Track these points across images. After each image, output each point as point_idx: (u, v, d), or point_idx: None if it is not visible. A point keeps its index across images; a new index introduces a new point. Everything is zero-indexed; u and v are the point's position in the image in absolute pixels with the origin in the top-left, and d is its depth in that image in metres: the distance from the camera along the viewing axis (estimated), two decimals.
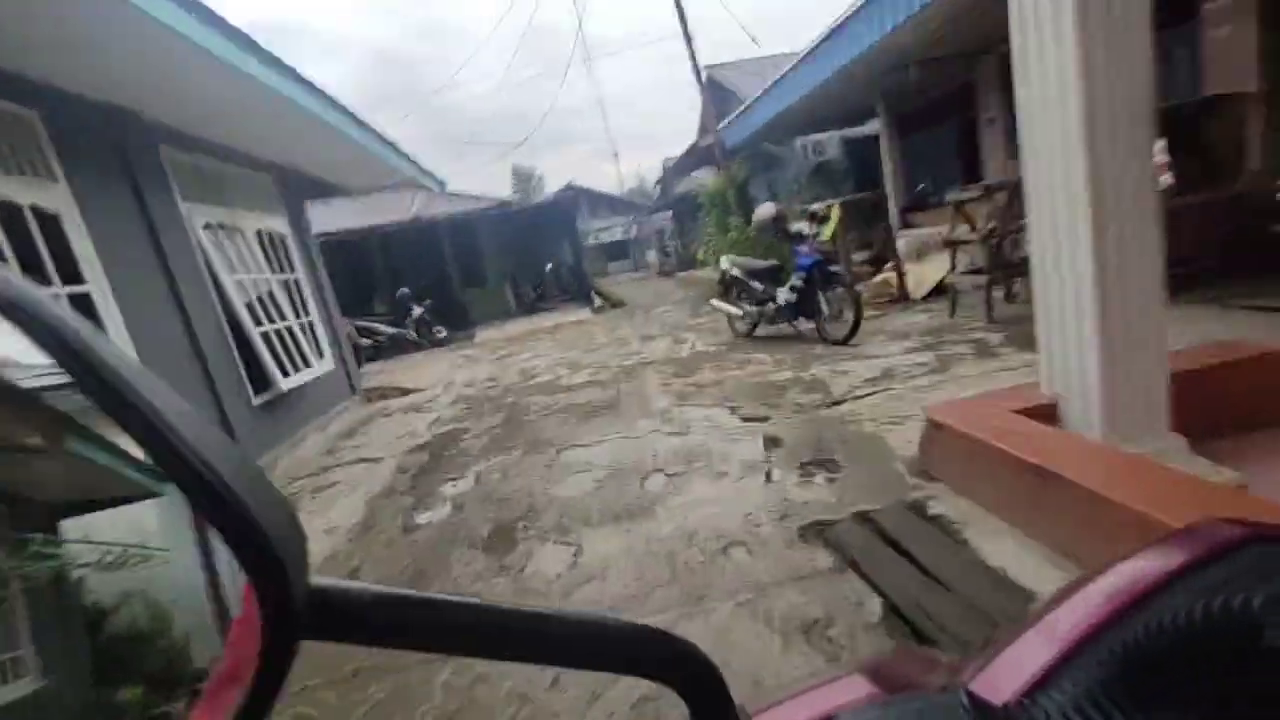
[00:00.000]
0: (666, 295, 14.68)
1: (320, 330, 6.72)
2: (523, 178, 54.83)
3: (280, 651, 0.20)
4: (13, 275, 0.20)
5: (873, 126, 12.18)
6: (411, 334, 11.89)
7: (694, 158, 14.80)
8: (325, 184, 7.88)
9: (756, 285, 6.23)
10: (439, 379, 7.81)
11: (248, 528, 0.19)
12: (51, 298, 0.19)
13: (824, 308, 5.50)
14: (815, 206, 6.40)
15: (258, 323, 5.44)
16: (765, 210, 6.09)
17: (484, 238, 15.52)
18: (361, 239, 13.20)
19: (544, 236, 17.62)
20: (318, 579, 0.22)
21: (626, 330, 9.33)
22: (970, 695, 0.35)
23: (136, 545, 0.23)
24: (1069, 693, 0.33)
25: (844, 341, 5.33)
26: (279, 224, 6.39)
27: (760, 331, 6.69)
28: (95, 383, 0.19)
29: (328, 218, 14.07)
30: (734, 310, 6.56)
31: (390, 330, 11.79)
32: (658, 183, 22.90)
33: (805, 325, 6.01)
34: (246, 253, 5.62)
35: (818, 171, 12.14)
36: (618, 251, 35.43)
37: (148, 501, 0.23)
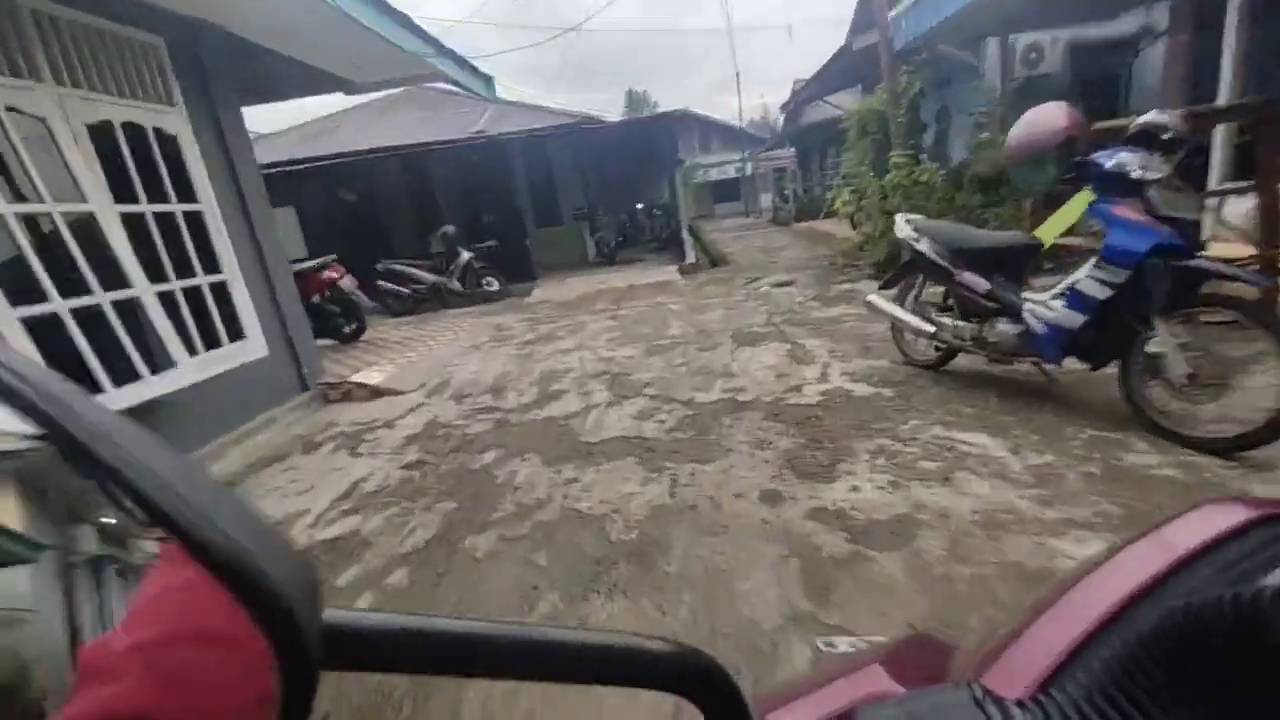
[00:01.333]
0: (780, 253, 11.39)
1: (241, 295, 4.41)
2: (636, 103, 50.78)
3: (300, 694, 0.20)
4: None
5: (1127, 24, 7.97)
6: (455, 284, 9.63)
7: (837, 71, 11.01)
8: (276, 72, 5.42)
9: (974, 281, 3.09)
10: (432, 372, 5.38)
11: (252, 581, 0.19)
12: (20, 357, 0.19)
13: (1166, 358, 2.36)
14: (1176, 115, 2.71)
15: (66, 289, 3.17)
16: (1045, 119, 2.71)
17: (563, 166, 12.80)
18: (410, 160, 10.92)
19: (638, 168, 14.60)
20: (330, 613, 0.23)
21: (717, 313, 6.40)
22: (985, 689, 0.35)
23: (6, 608, 0.23)
24: (1083, 685, 0.33)
25: (1235, 448, 2.22)
26: (168, 120, 4.02)
27: (960, 363, 3.59)
28: (70, 444, 0.19)
29: (368, 130, 12.00)
30: (914, 321, 3.48)
31: (430, 278, 9.58)
32: (783, 108, 18.84)
33: (1061, 367, 2.91)
34: (61, 162, 3.29)
35: (1025, 91, 8.14)
36: (727, 192, 31.52)
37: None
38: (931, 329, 3.35)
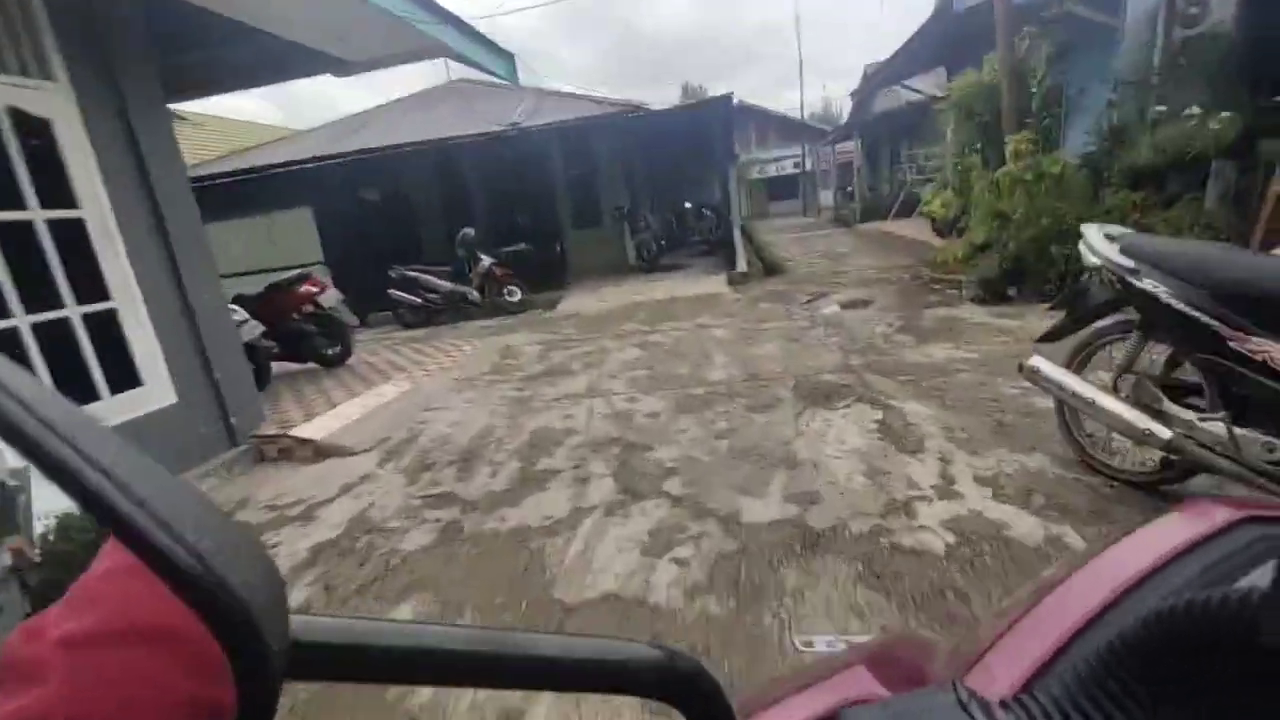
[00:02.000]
0: (847, 260, 9.81)
1: (139, 329, 3.35)
2: (691, 97, 49.12)
3: (260, 704, 0.19)
4: None
5: None
6: (473, 293, 8.55)
7: (922, 47, 9.29)
8: (238, 52, 4.39)
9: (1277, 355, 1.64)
10: (400, 421, 4.21)
11: (217, 596, 0.18)
12: None
13: None
14: None
15: None
16: None
17: (605, 161, 11.55)
18: (439, 156, 9.94)
19: (688, 163, 13.27)
20: (295, 623, 0.21)
21: (773, 344, 5.00)
22: (969, 690, 0.35)
23: None
24: (1065, 685, 0.33)
25: None
26: (36, 99, 2.97)
27: (1199, 483, 2.10)
28: (19, 440, 0.17)
29: (398, 126, 11.04)
30: (1126, 412, 2.00)
31: (446, 286, 8.54)
32: (853, 94, 17.03)
33: None
34: None
35: (1186, 52, 6.29)
36: (784, 189, 29.58)
37: None
38: (1166, 433, 1.88)
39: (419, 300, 8.46)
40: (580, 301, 8.57)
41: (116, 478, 0.17)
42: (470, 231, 8.53)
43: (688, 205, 12.41)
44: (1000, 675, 0.37)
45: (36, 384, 0.18)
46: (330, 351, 5.76)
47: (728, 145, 10.47)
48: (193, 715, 0.18)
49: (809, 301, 6.61)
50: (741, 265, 9.20)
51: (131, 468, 0.18)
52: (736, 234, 9.71)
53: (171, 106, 4.86)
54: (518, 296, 8.67)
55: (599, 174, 11.60)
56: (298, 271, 5.69)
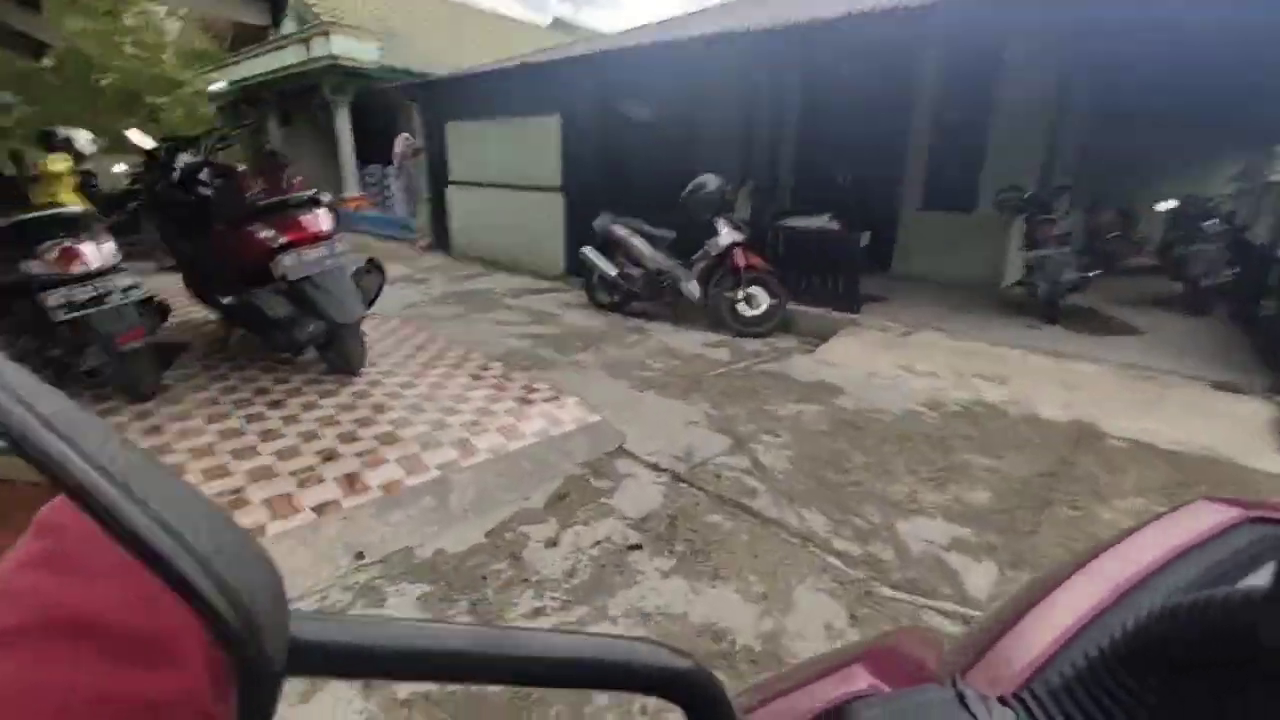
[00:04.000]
0: None
1: None
2: None
3: (260, 703, 0.19)
4: None
5: None
6: (690, 284, 5.09)
7: None
8: None
9: None
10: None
11: (219, 600, 0.17)
12: None
13: None
14: None
15: None
16: None
17: (1017, 99, 6.39)
18: (737, 64, 6.41)
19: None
20: (299, 623, 0.21)
21: None
22: (969, 687, 0.35)
23: None
24: (1066, 682, 0.33)
25: None
26: None
27: None
28: (17, 436, 0.16)
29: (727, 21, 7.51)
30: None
31: (660, 261, 5.25)
32: None
33: None
34: None
35: None
36: None
37: None
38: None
39: (613, 272, 5.38)
40: (859, 353, 4.36)
41: (114, 475, 0.17)
42: (713, 182, 4.94)
43: (1171, 204, 6.46)
44: (1001, 672, 0.37)
45: (34, 381, 0.18)
46: (299, 341, 3.10)
47: None
48: (134, 712, 0.17)
49: None
50: None
51: (130, 465, 0.17)
52: None
53: None
54: (762, 308, 4.90)
55: (997, 123, 6.49)
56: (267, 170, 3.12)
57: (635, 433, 2.86)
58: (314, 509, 2.10)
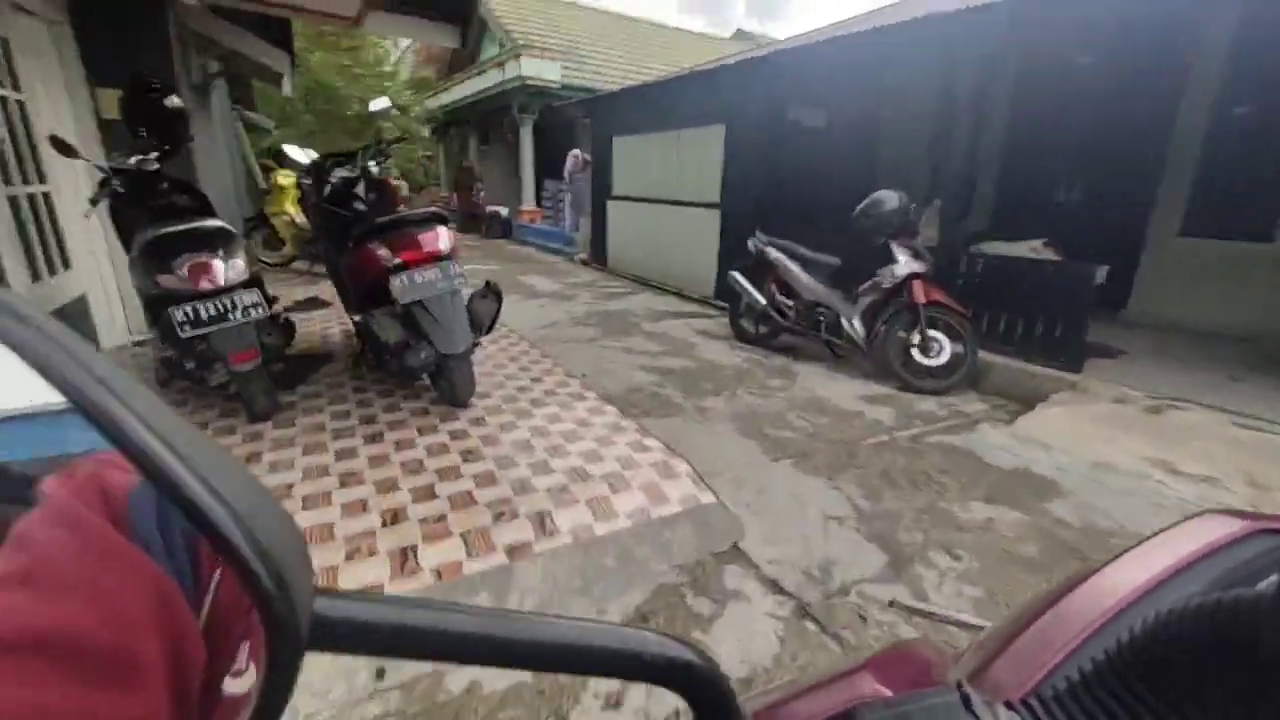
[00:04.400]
0: None
1: None
2: None
3: (285, 668, 0.20)
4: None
5: None
6: (853, 324, 4.27)
7: None
8: None
9: None
10: None
11: (253, 555, 0.18)
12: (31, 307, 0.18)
13: None
14: None
15: None
16: None
17: None
18: (930, 59, 5.42)
19: None
20: (322, 598, 0.22)
21: None
22: (975, 693, 0.34)
23: None
24: (1071, 688, 0.33)
25: None
26: None
27: None
28: (83, 404, 0.17)
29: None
30: None
31: (818, 291, 4.51)
32: None
33: None
34: None
35: None
36: None
37: None
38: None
39: (762, 301, 4.74)
40: (1096, 437, 3.24)
41: (172, 444, 0.17)
42: (892, 199, 4.09)
43: None
44: (1007, 678, 0.36)
45: (91, 348, 0.18)
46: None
47: None
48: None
49: None
50: None
51: (183, 435, 0.18)
52: None
53: None
54: (944, 356, 3.95)
55: None
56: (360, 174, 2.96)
57: (757, 526, 2.24)
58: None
